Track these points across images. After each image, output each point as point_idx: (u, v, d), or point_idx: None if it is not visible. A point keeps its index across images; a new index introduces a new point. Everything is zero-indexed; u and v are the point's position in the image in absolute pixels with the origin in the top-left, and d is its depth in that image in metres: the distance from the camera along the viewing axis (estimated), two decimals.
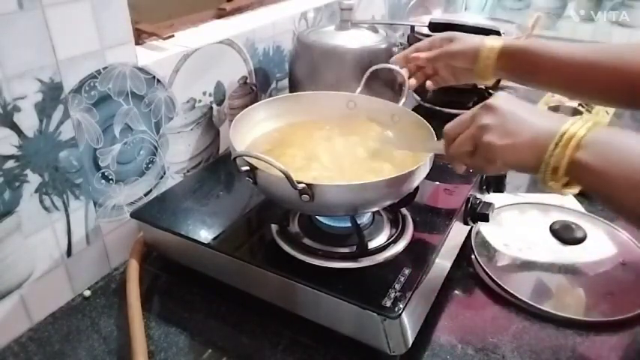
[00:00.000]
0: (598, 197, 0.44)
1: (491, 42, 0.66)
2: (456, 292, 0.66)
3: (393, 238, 0.61)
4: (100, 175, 0.65)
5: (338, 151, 0.65)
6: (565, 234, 0.72)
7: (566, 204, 0.82)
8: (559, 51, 0.62)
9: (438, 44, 0.71)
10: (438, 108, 0.98)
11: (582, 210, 0.81)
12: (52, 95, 0.57)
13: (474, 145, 0.49)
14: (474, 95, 1.03)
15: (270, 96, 0.96)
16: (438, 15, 1.52)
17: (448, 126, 0.52)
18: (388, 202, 0.58)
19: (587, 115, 0.43)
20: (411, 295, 0.53)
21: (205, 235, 0.64)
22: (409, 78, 0.73)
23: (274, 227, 0.63)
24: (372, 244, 0.60)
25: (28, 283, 0.60)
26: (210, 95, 0.81)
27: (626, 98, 0.58)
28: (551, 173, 0.43)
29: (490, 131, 0.46)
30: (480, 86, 1.02)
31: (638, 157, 0.40)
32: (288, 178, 0.50)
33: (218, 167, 0.82)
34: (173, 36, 0.79)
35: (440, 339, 0.59)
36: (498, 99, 0.48)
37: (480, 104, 0.49)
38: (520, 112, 0.47)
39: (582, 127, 0.42)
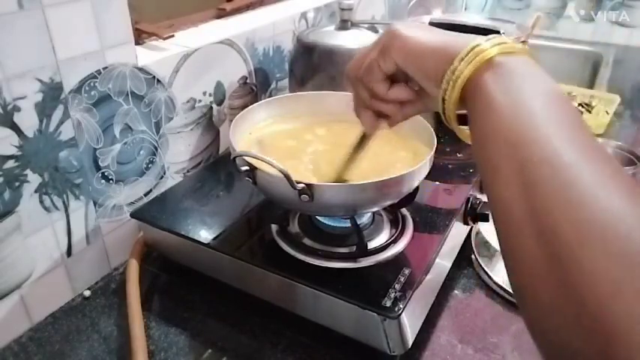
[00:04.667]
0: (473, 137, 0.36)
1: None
2: (456, 292, 0.66)
3: (393, 238, 0.61)
4: (100, 175, 0.65)
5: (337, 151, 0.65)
6: None
7: None
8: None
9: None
10: None
11: None
12: (52, 95, 0.57)
13: (379, 52, 0.42)
14: None
15: (270, 96, 0.96)
16: (438, 15, 1.52)
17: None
18: (388, 202, 0.58)
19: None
20: (411, 295, 0.53)
21: (205, 235, 0.64)
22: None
23: (274, 227, 0.63)
24: (372, 244, 0.60)
25: (28, 283, 0.60)
26: (210, 95, 0.81)
27: None
28: (450, 90, 0.37)
29: (398, 27, 0.41)
30: None
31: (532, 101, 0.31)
32: (288, 178, 0.50)
33: (218, 167, 0.82)
34: (173, 36, 0.79)
35: (440, 339, 0.59)
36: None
37: None
38: (433, 29, 0.41)
39: (495, 46, 0.35)
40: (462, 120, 0.39)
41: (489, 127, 0.33)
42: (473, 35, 0.38)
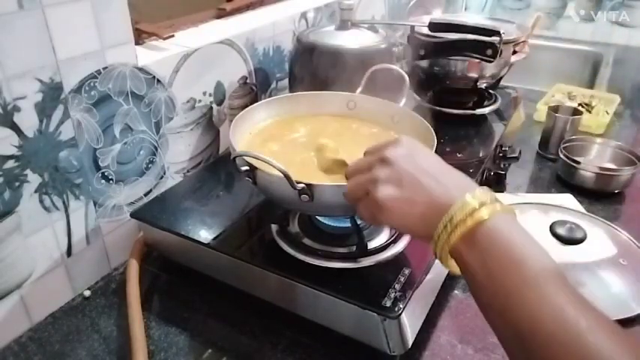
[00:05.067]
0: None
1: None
2: (456, 292, 0.66)
3: (393, 238, 0.61)
4: (100, 175, 0.65)
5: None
6: (565, 234, 0.72)
7: (566, 204, 0.82)
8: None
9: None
10: (438, 108, 0.98)
11: (582, 210, 0.81)
12: (52, 95, 0.57)
13: (365, 193, 0.45)
14: (474, 95, 1.03)
15: (270, 96, 0.96)
16: (438, 15, 1.52)
17: (351, 164, 0.49)
18: None
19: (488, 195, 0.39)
20: (411, 295, 0.53)
21: (205, 235, 0.64)
22: None
23: (274, 227, 0.63)
24: (372, 244, 0.60)
25: (28, 283, 0.60)
26: (210, 95, 0.81)
27: None
28: (439, 254, 0.40)
29: (382, 188, 0.42)
30: (480, 86, 1.02)
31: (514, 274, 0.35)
32: (288, 178, 0.50)
33: (218, 167, 0.82)
34: (173, 36, 0.79)
35: (440, 339, 0.59)
36: (399, 152, 0.44)
37: (382, 148, 0.45)
38: (419, 173, 0.42)
39: (471, 215, 0.37)
40: None
41: (478, 298, 0.38)
42: (456, 191, 0.40)
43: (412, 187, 0.42)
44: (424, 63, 1.01)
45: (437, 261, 0.60)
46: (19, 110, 0.54)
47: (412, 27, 0.93)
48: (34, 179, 0.57)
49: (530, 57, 1.09)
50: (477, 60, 0.85)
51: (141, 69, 0.67)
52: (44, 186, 0.59)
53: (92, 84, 0.61)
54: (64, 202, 0.62)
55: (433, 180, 0.41)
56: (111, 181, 0.67)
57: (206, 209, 0.70)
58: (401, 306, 0.51)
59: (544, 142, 1.00)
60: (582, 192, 0.87)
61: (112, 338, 0.60)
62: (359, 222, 0.62)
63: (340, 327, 0.57)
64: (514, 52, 1.04)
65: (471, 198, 0.38)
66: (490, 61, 0.83)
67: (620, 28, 1.71)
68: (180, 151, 0.78)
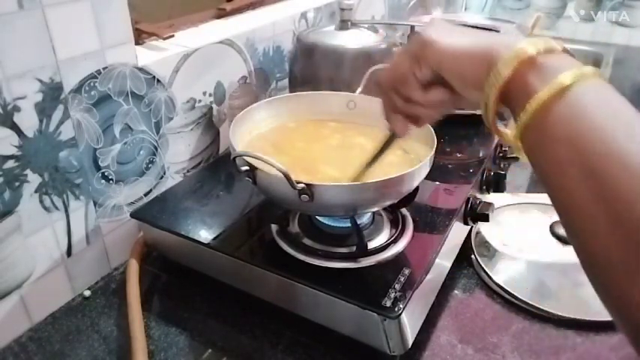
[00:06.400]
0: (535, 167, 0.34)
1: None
2: (456, 292, 0.66)
3: (393, 238, 0.61)
4: (100, 175, 0.66)
5: (338, 151, 0.65)
6: (565, 234, 0.72)
7: None
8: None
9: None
10: None
11: None
12: (52, 95, 0.57)
13: (413, 61, 0.41)
14: None
15: (270, 96, 0.96)
16: (438, 15, 1.52)
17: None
18: (388, 202, 0.58)
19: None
20: (411, 295, 0.53)
21: (205, 235, 0.64)
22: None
23: (274, 227, 0.63)
24: (372, 244, 0.60)
25: (28, 283, 0.60)
26: (210, 95, 0.81)
27: None
28: (492, 95, 0.35)
29: (430, 35, 0.39)
30: None
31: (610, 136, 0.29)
32: (288, 178, 0.50)
33: (218, 167, 0.82)
34: (173, 36, 0.79)
35: (440, 339, 0.59)
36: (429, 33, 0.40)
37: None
38: (464, 29, 0.40)
39: (533, 45, 0.33)
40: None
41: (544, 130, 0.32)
42: (506, 35, 0.37)
43: (458, 32, 0.39)
44: None
45: (436, 261, 0.60)
46: (19, 110, 0.54)
47: (412, 27, 0.93)
48: (34, 179, 0.57)
49: None
50: None
51: (141, 69, 0.67)
52: (44, 186, 0.59)
53: (92, 84, 0.61)
54: (64, 202, 0.62)
55: (478, 34, 0.39)
56: (111, 181, 0.67)
57: (206, 209, 0.70)
58: (401, 306, 0.51)
59: None
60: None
61: (112, 338, 0.60)
62: (359, 222, 0.62)
63: (340, 327, 0.57)
64: None
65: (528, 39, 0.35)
66: None
67: (620, 28, 1.71)
68: (180, 151, 0.78)
